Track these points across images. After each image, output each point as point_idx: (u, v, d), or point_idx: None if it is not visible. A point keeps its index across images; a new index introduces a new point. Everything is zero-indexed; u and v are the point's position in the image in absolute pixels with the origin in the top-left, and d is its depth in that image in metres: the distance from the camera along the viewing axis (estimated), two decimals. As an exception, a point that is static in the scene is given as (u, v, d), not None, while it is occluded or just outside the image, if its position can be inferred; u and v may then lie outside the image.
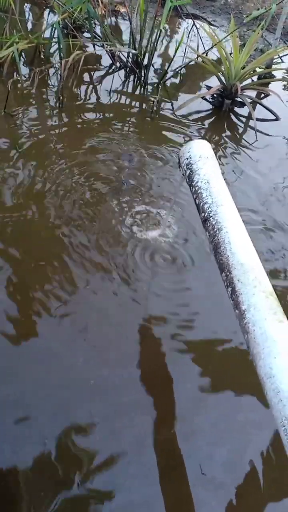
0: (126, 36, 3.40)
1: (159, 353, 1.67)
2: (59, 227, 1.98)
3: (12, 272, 1.78)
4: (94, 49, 3.10)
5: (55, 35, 2.84)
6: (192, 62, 3.26)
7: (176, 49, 2.90)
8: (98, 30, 3.30)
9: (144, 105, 2.96)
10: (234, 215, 1.38)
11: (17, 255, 1.85)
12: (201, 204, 1.48)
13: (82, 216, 2.05)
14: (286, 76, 3.66)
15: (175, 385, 1.58)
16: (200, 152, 1.63)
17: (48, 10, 3.82)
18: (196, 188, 1.54)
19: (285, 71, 3.69)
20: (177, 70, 3.20)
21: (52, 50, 3.19)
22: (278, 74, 3.61)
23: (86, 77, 3.08)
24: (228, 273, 1.24)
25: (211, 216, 1.41)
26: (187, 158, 1.65)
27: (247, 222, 1.50)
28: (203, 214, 1.46)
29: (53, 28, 2.82)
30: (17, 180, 2.17)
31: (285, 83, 3.56)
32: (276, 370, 1.00)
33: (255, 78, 3.36)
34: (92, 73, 3.13)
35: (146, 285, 1.86)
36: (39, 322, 1.66)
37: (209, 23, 3.96)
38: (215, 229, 1.36)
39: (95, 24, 3.12)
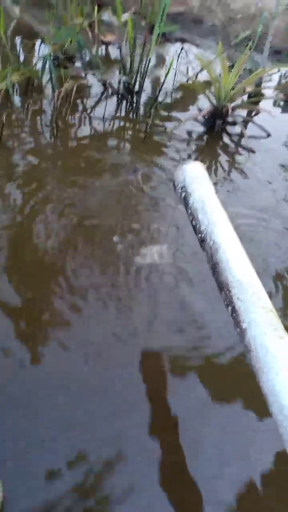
0: (116, 63, 3.47)
1: (163, 367, 1.68)
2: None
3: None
4: (86, 79, 3.17)
5: (47, 66, 2.91)
6: (183, 84, 3.34)
7: (166, 74, 2.97)
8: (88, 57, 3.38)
9: (137, 129, 3.01)
10: (230, 234, 1.41)
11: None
12: (197, 225, 1.51)
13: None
14: (275, 93, 3.73)
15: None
16: (194, 174, 1.67)
17: (39, 41, 3.92)
18: (192, 210, 1.57)
19: (274, 89, 3.77)
20: (168, 93, 3.26)
21: (44, 80, 3.27)
22: (267, 91, 3.68)
23: (79, 104, 3.15)
24: (227, 292, 1.25)
25: (207, 237, 1.44)
26: (181, 181, 1.69)
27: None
28: (199, 235, 1.48)
29: (45, 60, 2.89)
30: (12, 209, 2.21)
31: (275, 99, 3.63)
32: (279, 387, 1.01)
33: (245, 97, 3.43)
34: (84, 100, 3.19)
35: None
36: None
37: (197, 46, 4.06)
38: (212, 249, 1.39)
39: (85, 53, 3.20)
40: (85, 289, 1.89)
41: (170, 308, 1.89)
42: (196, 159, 2.85)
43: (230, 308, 1.23)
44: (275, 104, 3.62)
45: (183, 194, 1.66)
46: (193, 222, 1.56)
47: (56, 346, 1.69)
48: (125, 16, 3.20)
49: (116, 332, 1.76)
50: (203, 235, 1.47)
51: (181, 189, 1.68)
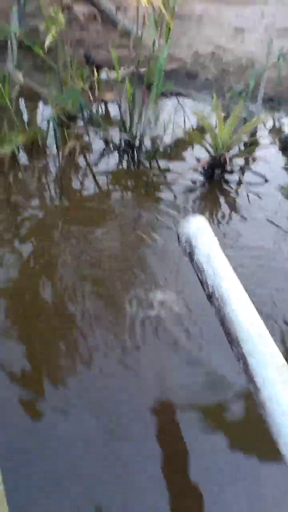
0: (116, 120, 3.62)
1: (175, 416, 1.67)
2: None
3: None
4: (89, 137, 3.29)
5: (51, 125, 3.05)
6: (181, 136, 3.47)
7: (165, 129, 3.09)
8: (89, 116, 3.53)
9: (139, 181, 3.11)
10: (238, 288, 1.43)
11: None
12: (204, 279, 1.54)
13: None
14: (270, 139, 3.85)
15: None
16: (197, 228, 1.71)
17: (41, 101, 4.11)
18: (197, 263, 1.61)
19: (268, 133, 3.90)
20: (167, 145, 3.38)
21: (48, 140, 3.40)
22: (263, 139, 3.80)
23: (82, 160, 3.26)
24: (238, 348, 1.26)
25: (215, 291, 1.46)
26: (185, 234, 1.73)
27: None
28: (207, 289, 1.51)
29: (49, 121, 3.03)
30: (21, 268, 2.26)
31: (270, 146, 3.74)
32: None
33: (242, 145, 3.55)
34: (87, 157, 3.31)
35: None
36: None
37: (193, 99, 4.24)
38: (220, 304, 1.41)
39: (87, 113, 3.34)
40: (93, 347, 1.91)
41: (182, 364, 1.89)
42: (197, 208, 2.93)
43: (241, 363, 1.24)
44: (271, 142, 3.74)
45: (188, 248, 1.69)
46: (199, 275, 1.59)
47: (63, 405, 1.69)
48: (123, 74, 3.37)
49: (125, 387, 1.76)
50: (210, 289, 1.49)
51: (185, 242, 1.72)
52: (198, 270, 1.59)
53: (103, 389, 1.75)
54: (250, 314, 1.33)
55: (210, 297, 1.47)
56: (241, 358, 1.24)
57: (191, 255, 1.66)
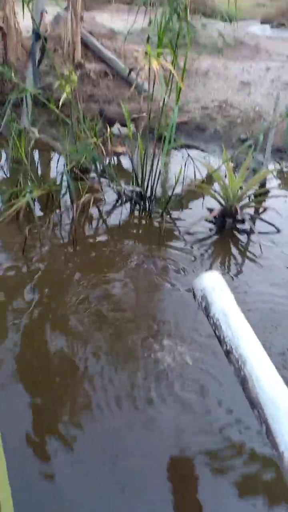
0: (128, 172, 3.72)
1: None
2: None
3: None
4: (102, 190, 3.37)
5: (64, 178, 3.13)
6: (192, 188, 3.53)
7: (176, 181, 3.16)
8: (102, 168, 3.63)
9: (151, 232, 3.15)
10: (256, 347, 1.41)
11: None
12: (222, 336, 1.52)
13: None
14: (281, 188, 3.91)
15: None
16: (213, 284, 1.72)
17: (55, 154, 4.24)
18: (214, 320, 1.60)
19: (279, 181, 3.96)
20: (178, 197, 3.44)
21: (62, 192, 3.49)
22: (272, 189, 3.85)
23: (95, 212, 3.32)
24: (260, 411, 1.24)
25: (233, 349, 1.44)
26: (201, 290, 1.73)
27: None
28: (224, 346, 1.49)
29: (63, 175, 3.11)
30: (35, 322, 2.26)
31: (280, 196, 3.79)
32: None
33: (252, 195, 3.60)
34: (100, 208, 3.38)
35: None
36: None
37: (202, 150, 4.35)
38: (239, 363, 1.39)
39: (100, 165, 3.43)
40: (113, 398, 1.87)
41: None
42: (209, 256, 2.94)
43: (264, 427, 1.21)
44: (281, 198, 3.78)
45: (203, 304, 1.69)
46: (217, 332, 1.57)
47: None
48: (134, 130, 3.48)
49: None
50: (228, 347, 1.48)
51: (201, 298, 1.72)
52: (215, 327, 1.58)
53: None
54: (271, 375, 1.30)
55: (228, 353, 1.45)
56: (264, 423, 1.21)
57: (207, 310, 1.66)
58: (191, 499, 1.59)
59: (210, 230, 3.21)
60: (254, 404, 1.26)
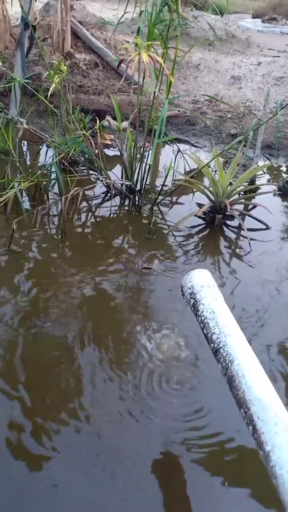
0: (118, 166, 3.69)
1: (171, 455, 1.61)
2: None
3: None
4: (92, 184, 3.34)
5: (53, 170, 3.09)
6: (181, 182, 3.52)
7: (166, 176, 3.14)
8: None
9: (140, 226, 3.13)
10: (244, 345, 1.41)
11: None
12: (209, 334, 1.52)
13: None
14: (270, 184, 3.92)
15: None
16: (201, 282, 1.71)
17: (44, 145, 4.19)
18: (202, 318, 1.59)
19: (268, 177, 3.96)
20: (168, 191, 3.43)
21: (51, 184, 3.45)
22: (262, 185, 3.86)
23: (84, 205, 3.29)
24: (246, 410, 1.24)
25: (221, 347, 1.44)
26: (189, 288, 1.73)
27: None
28: (212, 345, 1.49)
29: (51, 167, 3.08)
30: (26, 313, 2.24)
31: (269, 192, 3.80)
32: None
33: (241, 191, 3.60)
34: (89, 201, 3.34)
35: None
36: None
37: (192, 145, 4.33)
38: (227, 361, 1.39)
39: (88, 158, 3.40)
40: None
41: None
42: (199, 252, 2.93)
43: (250, 427, 1.21)
44: (274, 194, 3.79)
45: (192, 301, 1.68)
46: (204, 330, 1.57)
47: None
48: (125, 124, 3.45)
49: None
50: (215, 345, 1.47)
51: (190, 295, 1.72)
52: (202, 324, 1.58)
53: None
54: (258, 374, 1.30)
55: (215, 351, 1.44)
56: (250, 423, 1.21)
57: (195, 308, 1.65)
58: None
59: (199, 225, 3.20)
60: (240, 402, 1.26)
